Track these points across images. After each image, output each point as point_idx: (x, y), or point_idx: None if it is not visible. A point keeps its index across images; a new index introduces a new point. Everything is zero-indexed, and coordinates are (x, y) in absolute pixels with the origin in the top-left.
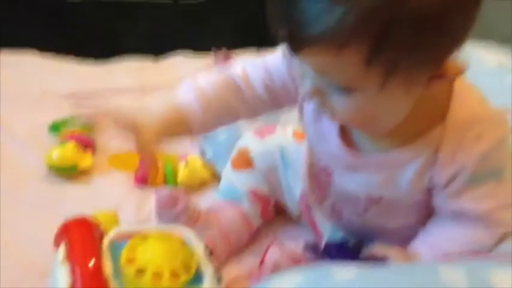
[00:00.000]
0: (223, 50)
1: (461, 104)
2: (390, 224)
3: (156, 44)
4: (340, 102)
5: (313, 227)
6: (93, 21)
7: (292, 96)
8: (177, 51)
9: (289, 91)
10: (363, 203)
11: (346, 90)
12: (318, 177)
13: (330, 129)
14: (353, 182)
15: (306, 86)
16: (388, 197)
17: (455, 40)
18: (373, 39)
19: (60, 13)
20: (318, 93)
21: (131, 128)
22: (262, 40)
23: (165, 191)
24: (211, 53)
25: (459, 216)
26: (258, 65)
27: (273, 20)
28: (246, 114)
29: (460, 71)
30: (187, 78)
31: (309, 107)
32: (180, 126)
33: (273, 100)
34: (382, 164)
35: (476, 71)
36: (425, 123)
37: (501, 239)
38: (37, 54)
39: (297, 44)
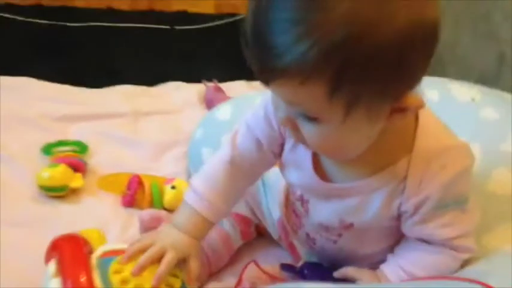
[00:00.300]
0: (214, 82)
1: (426, 136)
2: (363, 250)
3: (152, 69)
4: (309, 131)
5: (292, 250)
6: (91, 45)
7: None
8: (170, 79)
9: (277, 141)
10: (336, 230)
11: (314, 120)
12: (294, 205)
13: (304, 159)
14: (326, 209)
15: (279, 115)
16: (359, 223)
17: (413, 76)
18: (334, 73)
19: (57, 38)
20: (290, 122)
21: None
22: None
23: (148, 212)
24: (202, 83)
25: (426, 242)
26: (246, 135)
27: (246, 53)
28: (264, 170)
29: (420, 105)
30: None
31: (287, 137)
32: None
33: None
34: (353, 192)
35: (449, 105)
36: (392, 154)
37: (464, 264)
38: (35, 79)
39: (267, 76)
